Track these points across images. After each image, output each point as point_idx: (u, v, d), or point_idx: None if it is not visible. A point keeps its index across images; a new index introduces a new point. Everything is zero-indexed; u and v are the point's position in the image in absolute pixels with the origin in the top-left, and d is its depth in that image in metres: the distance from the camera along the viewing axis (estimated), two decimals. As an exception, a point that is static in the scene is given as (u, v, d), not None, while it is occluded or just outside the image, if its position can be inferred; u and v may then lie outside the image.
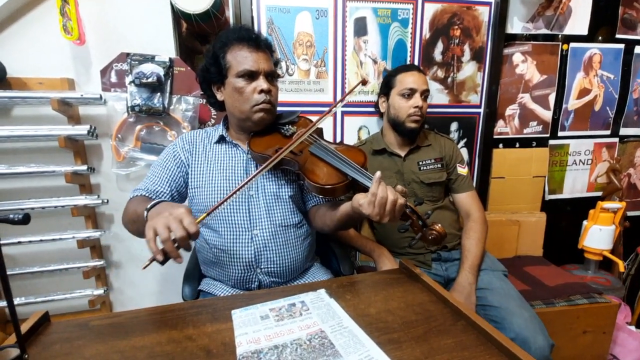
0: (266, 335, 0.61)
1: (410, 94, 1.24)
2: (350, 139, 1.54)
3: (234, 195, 0.93)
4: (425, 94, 1.26)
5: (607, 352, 1.36)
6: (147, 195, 0.91)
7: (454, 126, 1.63)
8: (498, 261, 1.25)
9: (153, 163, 0.99)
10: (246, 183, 0.81)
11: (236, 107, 0.93)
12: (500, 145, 1.69)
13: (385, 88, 1.32)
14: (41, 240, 1.23)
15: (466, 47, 1.55)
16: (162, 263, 0.66)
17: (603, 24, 1.66)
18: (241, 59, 0.90)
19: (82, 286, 1.35)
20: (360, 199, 0.75)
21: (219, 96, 0.97)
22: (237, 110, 0.94)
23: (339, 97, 1.49)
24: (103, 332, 0.65)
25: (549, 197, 1.79)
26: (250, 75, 0.90)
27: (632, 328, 1.49)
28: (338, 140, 1.54)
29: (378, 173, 0.74)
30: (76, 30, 1.11)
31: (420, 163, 1.29)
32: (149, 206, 0.74)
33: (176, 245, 0.65)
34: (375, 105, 1.42)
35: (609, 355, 1.39)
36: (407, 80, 1.24)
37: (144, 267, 0.68)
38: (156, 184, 0.94)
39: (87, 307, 1.34)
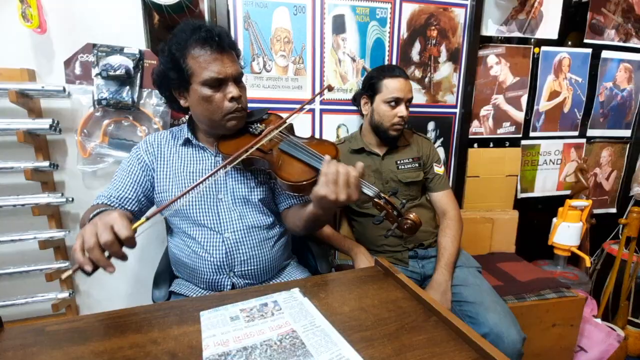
0: (235, 337, 0.58)
1: (395, 103, 1.22)
2: (329, 137, 1.53)
3: (203, 199, 0.90)
4: (410, 101, 1.25)
5: (575, 343, 1.42)
6: (108, 202, 0.86)
7: (431, 126, 1.65)
8: (472, 258, 1.27)
9: (117, 169, 0.94)
10: (202, 181, 0.77)
11: (206, 116, 0.87)
12: (475, 145, 1.73)
13: (370, 91, 1.27)
14: (-1, 241, 1.16)
15: (443, 48, 1.58)
16: (89, 273, 0.61)
17: (572, 29, 1.73)
18: (205, 64, 0.82)
19: (46, 289, 1.27)
20: (316, 186, 0.74)
21: (183, 102, 0.90)
22: (207, 119, 0.88)
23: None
24: (60, 338, 0.61)
25: (521, 195, 1.85)
26: (218, 82, 0.84)
27: (598, 321, 1.56)
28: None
29: (327, 156, 0.74)
30: (36, 18, 1.04)
31: (399, 162, 1.29)
32: (91, 215, 0.70)
33: (108, 254, 0.60)
34: (354, 100, 1.41)
35: (576, 347, 1.44)
36: (394, 87, 1.21)
37: (64, 277, 0.64)
38: (120, 189, 0.89)
39: (50, 311, 1.27)
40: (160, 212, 0.72)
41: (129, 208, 0.89)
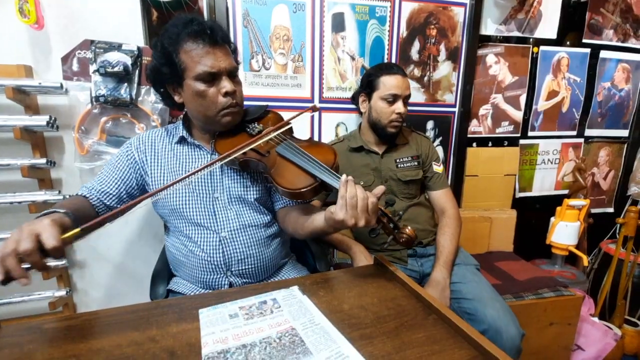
0: (234, 335, 0.58)
1: (393, 99, 1.22)
2: (328, 136, 1.53)
3: (199, 198, 0.89)
4: (407, 98, 1.25)
5: (572, 342, 1.42)
6: (87, 195, 0.85)
7: (430, 124, 1.65)
8: (471, 256, 1.27)
9: (106, 163, 0.92)
10: (186, 177, 0.75)
11: (200, 112, 0.86)
12: (474, 144, 1.73)
13: (368, 88, 1.27)
14: (-5, 239, 1.15)
15: (442, 47, 1.57)
16: (3, 283, 0.56)
17: (571, 28, 1.73)
18: (198, 58, 0.80)
19: (42, 288, 1.27)
20: (332, 208, 0.72)
21: (177, 98, 0.88)
22: (202, 115, 0.86)
23: (317, 94, 1.48)
24: (57, 336, 0.61)
25: (519, 194, 1.85)
26: (212, 77, 0.82)
27: (595, 319, 1.56)
28: (315, 137, 1.53)
29: (344, 176, 0.72)
30: (33, 14, 1.03)
31: (398, 160, 1.29)
32: (36, 217, 0.67)
33: (28, 265, 0.56)
34: (353, 99, 1.41)
35: (573, 346, 1.45)
36: (391, 84, 1.21)
37: None
38: (104, 183, 0.88)
39: (47, 309, 1.26)
40: (132, 209, 0.68)
41: (108, 203, 0.87)
